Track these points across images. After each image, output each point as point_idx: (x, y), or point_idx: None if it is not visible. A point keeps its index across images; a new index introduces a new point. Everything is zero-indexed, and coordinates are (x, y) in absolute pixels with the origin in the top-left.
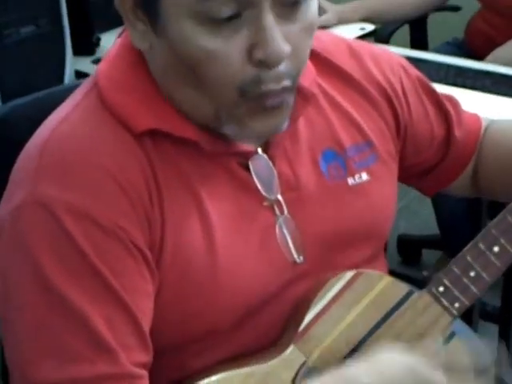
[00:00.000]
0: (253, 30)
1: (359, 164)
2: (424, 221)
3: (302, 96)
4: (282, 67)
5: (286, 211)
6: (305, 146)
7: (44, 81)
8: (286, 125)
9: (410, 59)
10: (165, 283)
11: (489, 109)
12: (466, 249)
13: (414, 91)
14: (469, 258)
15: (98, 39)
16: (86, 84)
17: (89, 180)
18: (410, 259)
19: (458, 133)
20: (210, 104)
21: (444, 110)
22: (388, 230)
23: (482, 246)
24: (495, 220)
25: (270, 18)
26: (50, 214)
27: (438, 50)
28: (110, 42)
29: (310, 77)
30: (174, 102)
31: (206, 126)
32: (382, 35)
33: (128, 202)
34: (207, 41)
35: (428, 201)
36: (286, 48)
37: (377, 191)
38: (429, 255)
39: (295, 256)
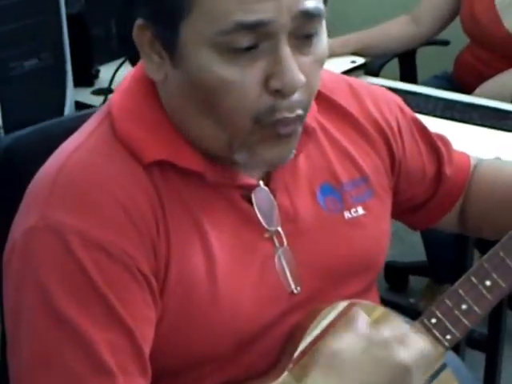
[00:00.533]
0: (270, 60)
1: (355, 198)
2: (411, 248)
3: (305, 131)
4: (296, 96)
5: (285, 243)
6: (304, 179)
7: (46, 111)
8: (293, 154)
9: (400, 91)
10: (167, 310)
11: (476, 141)
12: (458, 282)
13: (409, 130)
14: (461, 292)
15: (98, 71)
16: (99, 113)
17: (99, 209)
18: (397, 286)
19: (448, 171)
20: (224, 132)
21: (436, 148)
22: (382, 262)
23: (474, 279)
24: (487, 255)
25: (287, 50)
26: (60, 239)
27: (427, 83)
28: (108, 73)
29: (311, 113)
30: (185, 132)
31: (212, 157)
32: (372, 68)
33: (136, 231)
34: (225, 70)
35: None
36: (301, 78)
37: (372, 225)
38: (416, 282)
39: (292, 286)
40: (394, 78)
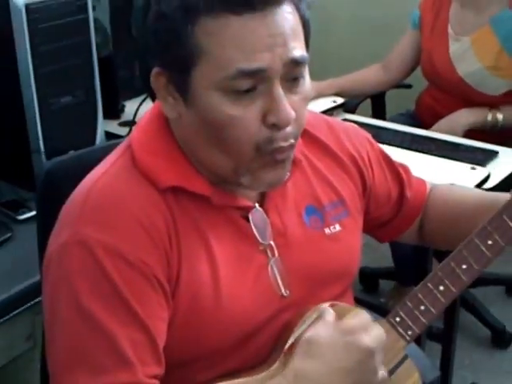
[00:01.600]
0: (266, 99)
1: (334, 217)
2: (381, 256)
3: (292, 162)
4: (289, 129)
5: (276, 254)
6: (291, 202)
7: (80, 140)
8: (287, 176)
9: (373, 127)
10: (178, 310)
11: (434, 169)
12: (417, 287)
13: (377, 161)
14: (420, 295)
15: (123, 106)
16: (121, 146)
17: (121, 224)
18: (370, 288)
19: (408, 194)
20: (230, 160)
21: (398, 175)
22: (356, 270)
23: (430, 285)
24: (441, 264)
25: (280, 91)
26: (88, 251)
27: (394, 120)
28: (133, 108)
29: (298, 147)
30: (195, 161)
31: (217, 183)
32: (349, 107)
33: (152, 243)
34: (230, 108)
35: None
36: (292, 113)
37: (347, 239)
38: (385, 284)
39: (283, 290)
40: (367, 115)
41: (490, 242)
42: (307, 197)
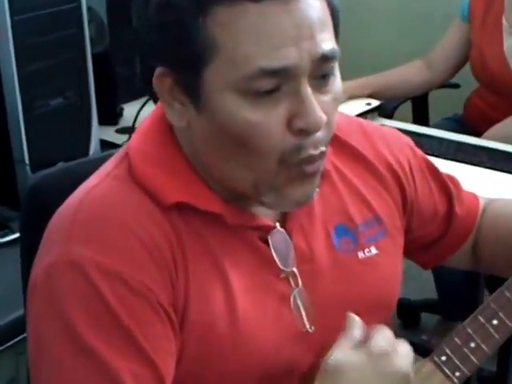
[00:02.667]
0: (292, 101)
1: (369, 239)
2: (423, 285)
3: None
4: (319, 134)
5: (300, 283)
6: (319, 220)
7: (71, 149)
8: (316, 192)
9: (413, 134)
10: (186, 345)
11: (485, 183)
12: (466, 321)
13: (420, 171)
14: (469, 330)
15: (122, 109)
16: (117, 155)
17: (119, 242)
18: (410, 322)
19: (458, 210)
20: (250, 174)
21: (446, 188)
22: (395, 300)
23: (481, 319)
24: (494, 295)
25: (308, 90)
26: (82, 273)
27: (438, 125)
28: (132, 112)
29: (327, 156)
30: (205, 175)
31: (230, 200)
32: (386, 110)
33: (154, 265)
34: (250, 113)
35: None
36: (323, 116)
37: (385, 264)
38: (428, 319)
39: (307, 326)
40: (406, 120)
41: None
42: (337, 214)
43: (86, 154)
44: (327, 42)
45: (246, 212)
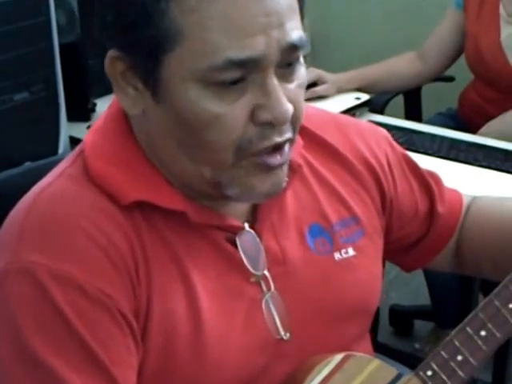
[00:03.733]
0: (257, 92)
1: (346, 239)
2: (415, 291)
3: (289, 168)
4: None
5: (272, 287)
6: (291, 219)
7: (38, 148)
8: (285, 182)
9: (405, 130)
10: (148, 356)
11: (480, 183)
12: (453, 332)
13: (400, 166)
14: (456, 342)
15: (94, 105)
16: (73, 153)
17: (73, 245)
18: (402, 330)
19: (440, 208)
20: (207, 167)
21: (427, 185)
22: (375, 306)
23: (469, 330)
24: (482, 304)
25: (275, 81)
26: (34, 280)
27: (431, 121)
28: (106, 107)
29: (296, 149)
30: (165, 170)
31: (194, 197)
32: (376, 105)
33: (113, 269)
34: (213, 104)
35: (419, 271)
36: (290, 107)
37: (363, 266)
38: (421, 326)
39: (282, 333)
40: (398, 115)
41: None
42: (311, 213)
43: (55, 152)
44: (296, 31)
45: (211, 211)
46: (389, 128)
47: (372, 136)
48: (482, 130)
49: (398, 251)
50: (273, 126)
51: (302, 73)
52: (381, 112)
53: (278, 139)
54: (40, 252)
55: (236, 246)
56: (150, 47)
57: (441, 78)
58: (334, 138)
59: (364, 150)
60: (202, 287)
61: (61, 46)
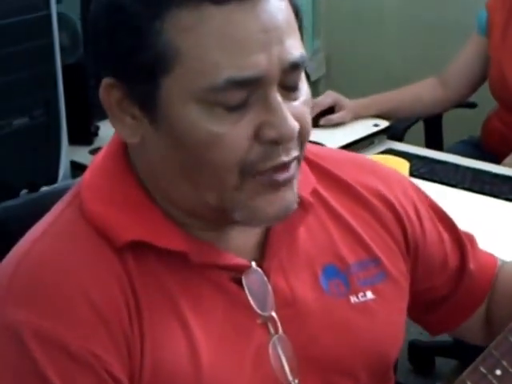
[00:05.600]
0: (260, 110)
1: (364, 281)
2: None
3: (301, 205)
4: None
5: (280, 330)
6: (304, 258)
7: (37, 174)
8: (296, 203)
9: (426, 159)
10: None
11: (506, 217)
12: (466, 372)
13: (428, 215)
14: (469, 383)
15: (97, 128)
16: (70, 192)
17: (62, 305)
18: (422, 368)
19: (472, 266)
20: (211, 195)
21: (459, 240)
22: (393, 360)
23: (483, 369)
24: (496, 341)
25: (279, 99)
26: (14, 337)
27: (454, 149)
28: (109, 131)
29: (309, 186)
30: (166, 202)
31: (197, 232)
32: (395, 132)
33: (105, 327)
34: (214, 125)
35: None
36: (296, 125)
37: (383, 312)
38: (442, 364)
39: (290, 379)
40: (418, 143)
41: None
42: (326, 253)
43: (55, 178)
44: (296, 49)
45: (214, 248)
46: (409, 157)
47: (396, 181)
48: (507, 160)
49: (423, 307)
50: (278, 144)
51: (306, 89)
52: (400, 139)
53: (285, 158)
54: (26, 309)
55: (241, 285)
56: (146, 71)
57: (462, 104)
58: (351, 177)
59: (386, 191)
60: (204, 333)
61: (63, 67)
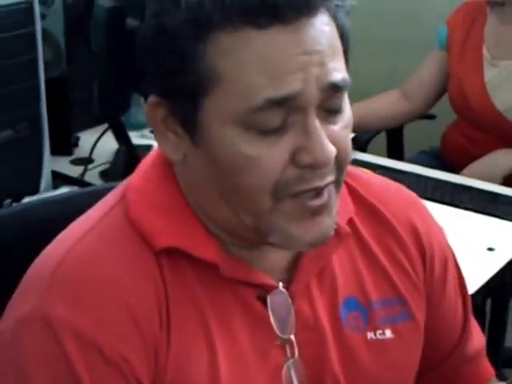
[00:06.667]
0: (298, 134)
1: (385, 319)
2: None
3: (337, 233)
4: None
5: (296, 353)
6: (329, 285)
7: (19, 184)
8: (333, 229)
9: (388, 169)
10: None
11: (467, 226)
12: None
13: (453, 283)
14: None
15: (77, 138)
16: (115, 193)
17: (101, 307)
18: None
19: (470, 350)
20: (247, 216)
21: (467, 326)
22: None
23: None
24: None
25: (317, 123)
26: (53, 334)
27: (414, 159)
28: (89, 141)
29: (347, 215)
30: (204, 216)
31: (232, 247)
32: (359, 143)
33: (138, 333)
34: (252, 147)
35: None
36: (333, 150)
37: (400, 352)
38: None
39: None
40: (381, 153)
41: None
42: (350, 285)
43: (36, 188)
44: (337, 71)
45: (246, 265)
46: (372, 167)
47: (436, 234)
48: (466, 170)
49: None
50: (313, 168)
51: (348, 114)
52: (363, 150)
53: (319, 183)
54: (66, 306)
55: (265, 305)
56: (188, 91)
57: (422, 116)
58: (391, 212)
59: (422, 235)
60: (226, 349)
61: (47, 80)
